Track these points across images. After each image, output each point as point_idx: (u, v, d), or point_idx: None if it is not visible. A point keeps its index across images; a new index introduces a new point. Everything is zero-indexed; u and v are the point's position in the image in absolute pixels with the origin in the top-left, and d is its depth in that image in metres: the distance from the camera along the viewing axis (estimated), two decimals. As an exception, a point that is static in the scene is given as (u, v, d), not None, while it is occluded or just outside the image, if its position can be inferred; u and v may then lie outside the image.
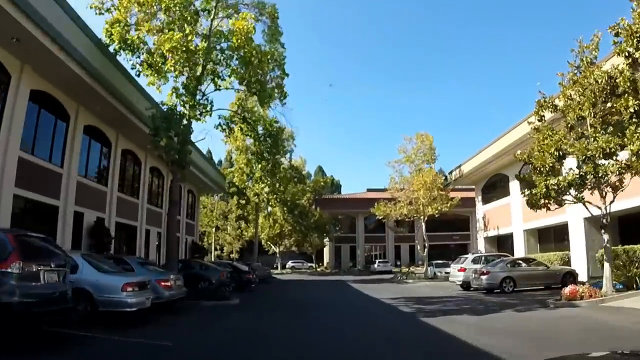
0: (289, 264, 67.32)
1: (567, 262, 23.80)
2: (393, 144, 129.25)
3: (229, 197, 39.52)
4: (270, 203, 38.30)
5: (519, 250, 30.36)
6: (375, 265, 51.41)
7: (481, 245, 37.10)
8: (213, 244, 67.67)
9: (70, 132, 18.26)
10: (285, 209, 40.39)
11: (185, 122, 17.24)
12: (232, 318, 13.96)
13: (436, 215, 35.59)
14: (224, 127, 20.06)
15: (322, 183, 51.39)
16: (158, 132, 16.40)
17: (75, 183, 18.54)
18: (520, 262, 22.63)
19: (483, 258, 25.01)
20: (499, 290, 20.39)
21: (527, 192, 17.13)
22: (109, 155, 22.74)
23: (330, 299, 20.64)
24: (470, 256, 25.15)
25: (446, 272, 34.12)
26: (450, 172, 38.31)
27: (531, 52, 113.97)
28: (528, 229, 30.14)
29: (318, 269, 58.51)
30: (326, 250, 63.60)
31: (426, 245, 36.64)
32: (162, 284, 13.16)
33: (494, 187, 36.01)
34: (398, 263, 58.29)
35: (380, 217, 37.58)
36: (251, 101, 23.74)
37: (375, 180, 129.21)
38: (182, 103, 17.29)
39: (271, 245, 57.14)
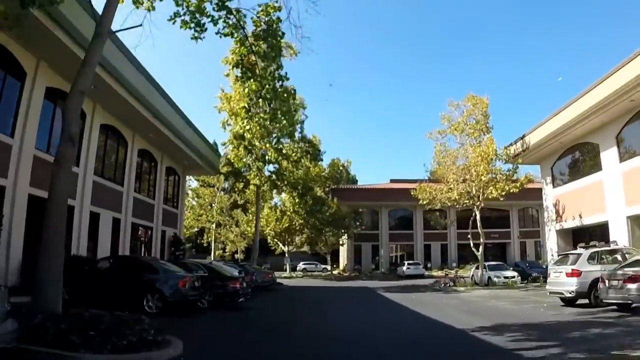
0: (300, 265, 58.50)
1: None
2: (414, 133, 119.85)
3: (224, 180, 30.50)
4: (276, 181, 29.31)
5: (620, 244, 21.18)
6: (404, 268, 42.30)
7: (552, 241, 28.00)
8: (213, 242, 59.30)
9: None
10: (295, 194, 31.21)
11: None
12: None
13: (501, 199, 26.50)
14: (190, 22, 11.13)
15: (340, 167, 41.90)
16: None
17: None
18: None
19: (604, 254, 15.87)
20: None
21: None
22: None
23: (375, 330, 11.60)
24: (583, 252, 16.03)
25: (505, 277, 27.18)
26: (508, 147, 29.14)
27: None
28: (633, 215, 20.92)
29: (334, 272, 49.37)
30: (343, 250, 54.37)
31: (482, 241, 27.57)
32: None
33: (574, 163, 26.91)
34: (429, 265, 49.13)
35: (424, 203, 28.36)
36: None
37: (396, 173, 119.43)
38: None
39: (279, 243, 48.07)
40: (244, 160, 28.84)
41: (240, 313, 14.35)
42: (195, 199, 48.27)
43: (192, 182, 53.34)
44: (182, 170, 30.89)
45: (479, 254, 27.45)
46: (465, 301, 19.18)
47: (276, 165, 29.64)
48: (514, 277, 27.22)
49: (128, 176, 22.40)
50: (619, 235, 21.03)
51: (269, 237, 47.02)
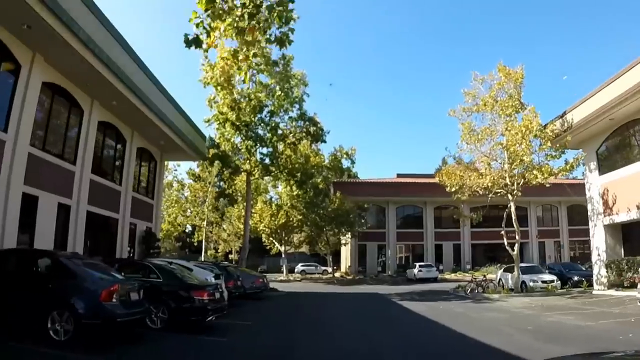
0: (299, 267, 53.72)
1: None
2: (420, 126, 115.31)
3: (209, 165, 25.61)
4: (270, 166, 24.24)
5: None
6: (416, 271, 37.58)
7: (599, 238, 23.35)
8: (204, 241, 54.64)
9: None
10: (292, 182, 26.23)
11: None
12: None
13: (547, 185, 21.81)
14: None
15: (344, 155, 36.88)
16: None
17: None
18: None
19: None
20: None
21: None
22: None
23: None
24: None
25: (543, 282, 22.65)
26: (545, 126, 24.37)
27: None
28: None
29: (336, 275, 44.59)
30: (345, 251, 49.51)
31: (518, 238, 22.92)
32: None
33: (628, 144, 22.27)
34: (440, 267, 44.41)
35: (452, 190, 23.38)
36: None
37: (402, 168, 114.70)
38: None
39: (274, 242, 43.21)
40: (232, 140, 24.09)
41: (207, 341, 9.65)
42: (181, 191, 43.30)
43: (180, 174, 48.76)
44: (160, 154, 26.15)
45: (514, 253, 22.80)
46: (514, 315, 14.57)
47: (270, 149, 24.93)
48: (552, 281, 22.80)
49: (83, 153, 17.64)
50: None
51: (263, 235, 42.20)
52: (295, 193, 34.80)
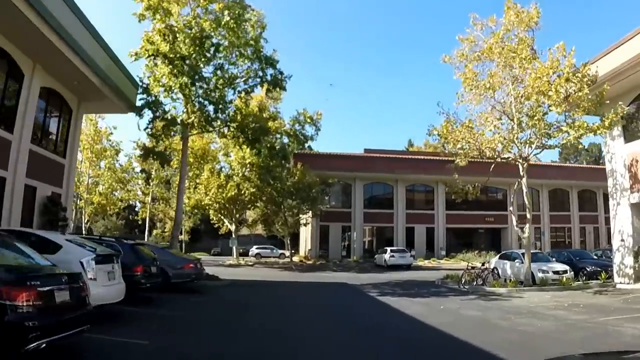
0: (253, 250, 48.11)
1: None
2: (389, 102, 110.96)
3: (137, 116, 19.28)
4: (212, 115, 18.18)
5: None
6: (387, 257, 32.64)
7: (624, 219, 18.70)
8: (148, 219, 48.40)
9: None
10: (242, 139, 19.99)
11: None
12: None
13: (581, 147, 17.41)
14: None
15: (308, 119, 30.78)
16: None
17: None
18: None
19: None
20: None
21: None
22: None
23: None
24: None
25: (554, 272, 18.01)
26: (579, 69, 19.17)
27: None
28: None
29: (294, 259, 39.13)
30: (306, 232, 43.77)
31: (529, 216, 17.98)
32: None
33: None
34: (412, 253, 39.75)
35: (455, 148, 17.83)
36: None
37: (370, 144, 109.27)
38: None
39: (224, 220, 37.17)
40: (166, 82, 17.99)
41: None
42: (115, 158, 36.50)
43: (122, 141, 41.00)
44: (77, 101, 19.68)
45: (525, 236, 17.88)
46: (563, 323, 9.59)
47: (215, 94, 18.93)
48: (565, 271, 18.26)
49: None
50: None
51: (211, 212, 36.09)
52: (248, 161, 28.81)
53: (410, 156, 45.49)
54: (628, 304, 12.65)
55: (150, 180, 46.34)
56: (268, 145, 23.05)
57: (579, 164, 64.47)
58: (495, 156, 17.86)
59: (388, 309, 12.34)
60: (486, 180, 19.98)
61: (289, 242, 40.61)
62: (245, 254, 45.51)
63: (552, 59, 16.32)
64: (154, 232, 60.37)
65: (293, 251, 41.40)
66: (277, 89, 21.07)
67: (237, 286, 18.71)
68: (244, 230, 50.61)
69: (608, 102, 16.67)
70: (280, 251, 47.16)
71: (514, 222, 18.51)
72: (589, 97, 16.11)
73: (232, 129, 19.87)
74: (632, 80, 17.61)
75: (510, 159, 18.10)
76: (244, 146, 21.88)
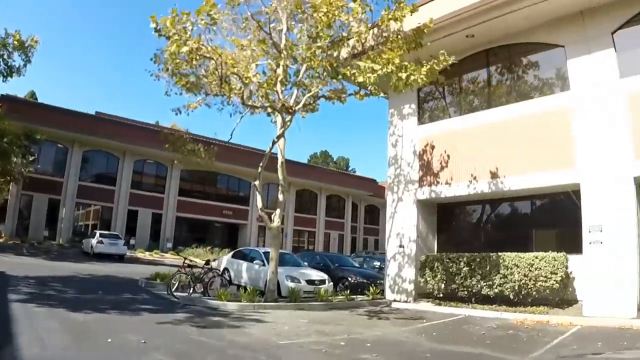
0: None
1: None
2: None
3: None
4: None
5: (613, 226, 11.20)
6: (94, 242, 26.64)
7: (407, 221, 15.88)
8: None
9: None
10: None
11: None
12: None
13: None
14: None
15: (16, 43, 21.73)
16: None
17: None
18: None
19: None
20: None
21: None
22: None
23: None
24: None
25: (309, 282, 14.70)
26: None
27: None
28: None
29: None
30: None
31: (281, 198, 14.07)
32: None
33: (491, 80, 15.33)
34: (132, 241, 34.30)
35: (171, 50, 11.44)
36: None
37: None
38: None
39: None
40: None
41: None
42: None
43: None
44: None
45: (275, 225, 13.75)
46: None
47: None
48: (324, 281, 14.96)
49: None
50: (615, 208, 11.26)
51: None
52: None
53: (147, 126, 39.33)
54: (434, 339, 8.88)
55: None
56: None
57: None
58: (245, 97, 13.22)
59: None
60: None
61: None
62: None
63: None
64: None
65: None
66: None
67: None
68: None
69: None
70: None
71: (259, 203, 14.29)
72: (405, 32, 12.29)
73: None
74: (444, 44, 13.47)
75: (268, 106, 13.89)
76: None
